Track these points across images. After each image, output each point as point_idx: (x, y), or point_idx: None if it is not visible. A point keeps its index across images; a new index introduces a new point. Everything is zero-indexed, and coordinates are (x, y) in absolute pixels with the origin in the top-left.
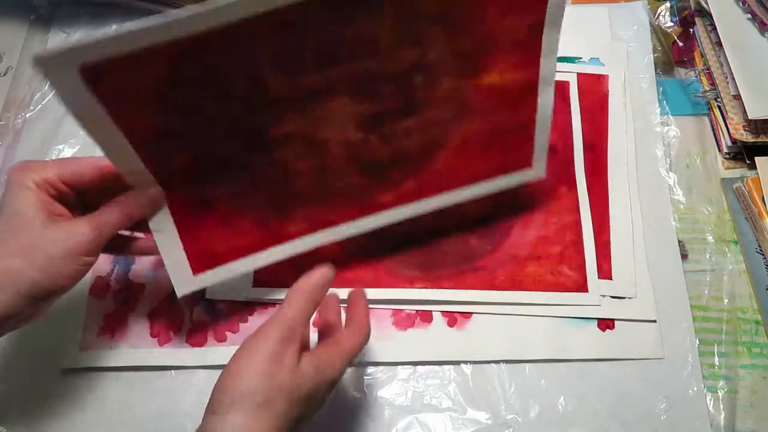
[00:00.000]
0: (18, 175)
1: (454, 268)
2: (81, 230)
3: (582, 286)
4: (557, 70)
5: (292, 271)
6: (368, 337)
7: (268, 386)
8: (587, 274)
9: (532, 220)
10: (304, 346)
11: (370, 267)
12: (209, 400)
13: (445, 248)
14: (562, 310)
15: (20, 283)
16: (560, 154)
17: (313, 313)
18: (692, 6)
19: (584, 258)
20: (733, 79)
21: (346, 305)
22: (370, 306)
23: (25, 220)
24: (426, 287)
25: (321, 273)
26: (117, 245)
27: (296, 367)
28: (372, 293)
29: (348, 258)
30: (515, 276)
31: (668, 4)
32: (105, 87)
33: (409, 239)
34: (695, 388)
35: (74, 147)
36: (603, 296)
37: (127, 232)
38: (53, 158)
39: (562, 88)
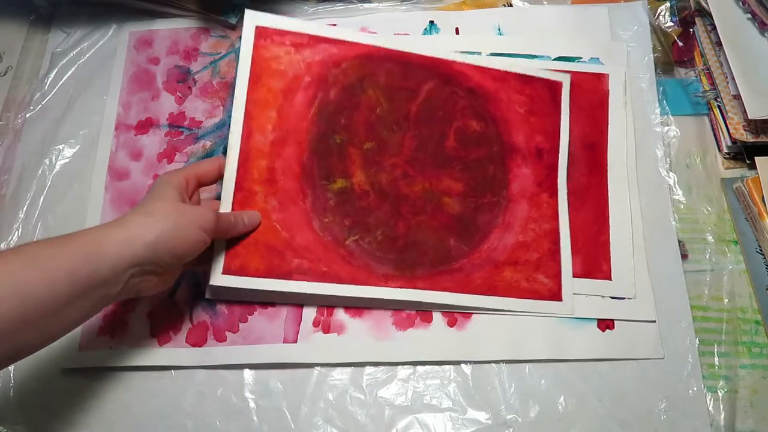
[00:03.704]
0: (165, 176)
1: (431, 268)
2: (206, 210)
3: (556, 295)
4: (550, 68)
5: (264, 255)
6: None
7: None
8: (562, 283)
9: (513, 225)
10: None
11: (344, 261)
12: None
13: (423, 246)
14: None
15: (152, 235)
16: (545, 158)
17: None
18: (692, 6)
19: (560, 266)
20: (733, 79)
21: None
22: (346, 304)
23: (167, 197)
24: (400, 287)
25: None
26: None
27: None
28: (347, 290)
29: (324, 249)
30: (491, 280)
31: (668, 4)
32: None
33: (386, 233)
34: (695, 388)
35: (74, 147)
36: (603, 296)
37: None
38: (53, 158)
39: (553, 88)
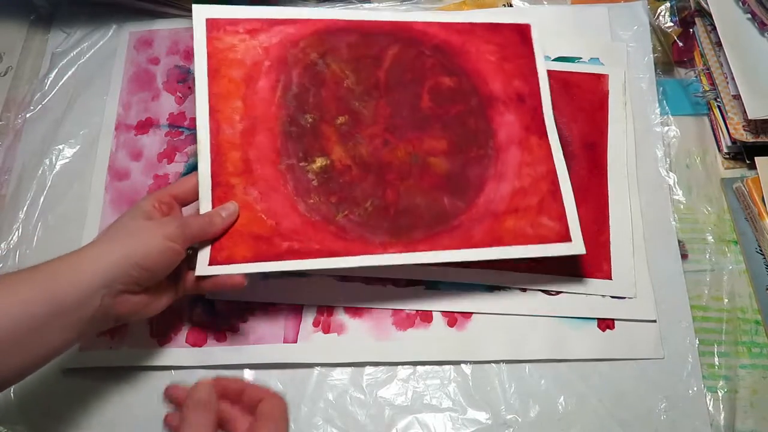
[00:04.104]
0: (139, 201)
1: (428, 230)
2: (168, 221)
3: (564, 236)
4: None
5: (251, 244)
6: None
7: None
8: (569, 223)
9: (506, 173)
10: None
11: (337, 237)
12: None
13: (416, 210)
14: (561, 304)
15: (116, 254)
16: (527, 101)
17: (212, 421)
18: (692, 6)
19: (563, 206)
20: (733, 79)
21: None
22: (344, 274)
23: (132, 221)
24: (400, 251)
25: (204, 386)
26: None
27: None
28: (344, 262)
29: (313, 229)
30: (494, 232)
31: (668, 4)
32: None
33: (376, 204)
34: (695, 388)
35: (74, 147)
36: (603, 296)
37: None
38: (53, 158)
39: (522, 32)
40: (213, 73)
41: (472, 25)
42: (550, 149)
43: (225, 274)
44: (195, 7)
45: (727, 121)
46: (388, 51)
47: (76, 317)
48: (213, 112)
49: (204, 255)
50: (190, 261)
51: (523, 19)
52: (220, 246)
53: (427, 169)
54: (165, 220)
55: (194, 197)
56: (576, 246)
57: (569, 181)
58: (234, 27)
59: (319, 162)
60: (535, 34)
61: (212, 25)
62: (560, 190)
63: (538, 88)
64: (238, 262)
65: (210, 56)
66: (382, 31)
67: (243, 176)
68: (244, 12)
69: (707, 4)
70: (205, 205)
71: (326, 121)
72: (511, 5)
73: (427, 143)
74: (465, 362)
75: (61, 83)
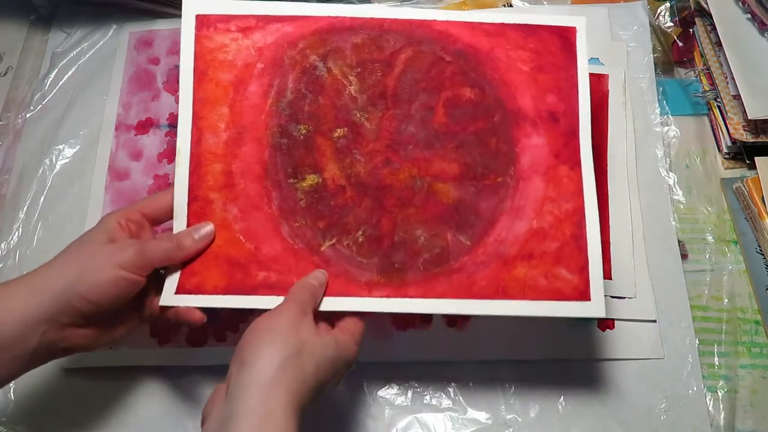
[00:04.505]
0: (104, 217)
1: (423, 271)
2: (125, 245)
3: (583, 294)
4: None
5: (225, 270)
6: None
7: (295, 339)
8: (590, 278)
9: (524, 209)
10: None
11: (320, 268)
12: (233, 358)
13: (413, 245)
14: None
15: (57, 286)
16: (562, 122)
17: (316, 302)
18: (692, 6)
19: (587, 257)
20: (733, 79)
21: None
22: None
23: (85, 242)
24: (387, 296)
25: (320, 272)
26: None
27: (317, 332)
28: (322, 304)
29: (294, 259)
30: (499, 281)
31: (668, 4)
32: None
33: (368, 234)
34: (695, 388)
35: (74, 147)
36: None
37: None
38: (53, 158)
39: (564, 36)
40: (200, 76)
41: (504, 26)
42: (581, 184)
43: (185, 307)
44: (186, 1)
45: (727, 121)
46: (400, 55)
47: (11, 355)
48: (196, 118)
49: (172, 281)
50: (158, 283)
51: (567, 20)
52: (191, 270)
53: (432, 197)
54: (125, 244)
55: (167, 216)
56: (595, 307)
57: (598, 225)
58: (226, 24)
59: (310, 180)
60: (581, 40)
61: (202, 21)
62: (586, 235)
63: (577, 107)
64: (208, 293)
65: (197, 57)
66: (395, 31)
67: (223, 191)
68: (239, 7)
69: (707, 4)
70: (179, 221)
71: (322, 134)
72: (511, 5)
73: (436, 166)
74: (465, 362)
75: (61, 83)
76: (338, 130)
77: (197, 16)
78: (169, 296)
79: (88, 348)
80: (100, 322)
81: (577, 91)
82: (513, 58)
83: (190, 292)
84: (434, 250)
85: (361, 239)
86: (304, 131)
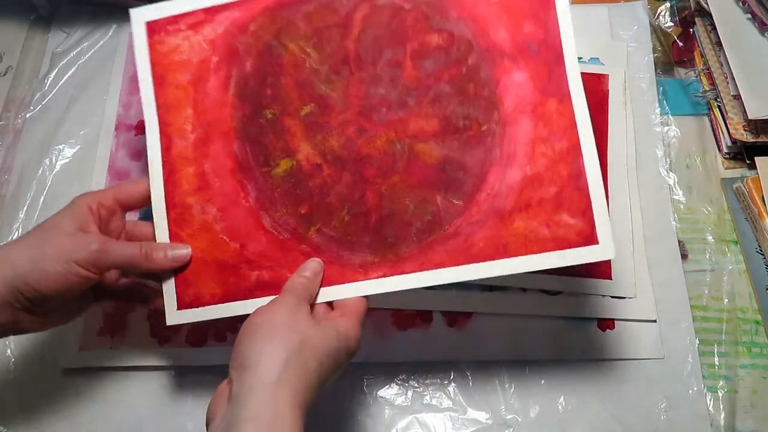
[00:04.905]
0: (75, 198)
1: (417, 242)
2: (88, 240)
3: (589, 237)
4: None
5: (217, 275)
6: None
7: (296, 335)
8: (595, 219)
9: (515, 155)
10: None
11: (311, 256)
12: (232, 359)
13: (403, 215)
14: (561, 304)
15: (7, 270)
16: (543, 51)
17: (312, 294)
18: (692, 6)
19: (589, 197)
20: (733, 79)
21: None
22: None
23: (51, 227)
24: (384, 275)
25: (314, 261)
26: (144, 296)
27: (316, 324)
28: (320, 295)
29: (283, 251)
30: (499, 239)
31: (668, 4)
32: None
33: (354, 211)
34: (695, 388)
35: (74, 147)
36: (603, 296)
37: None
38: (53, 158)
39: None
40: (159, 81)
41: None
42: (573, 116)
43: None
44: (133, 11)
45: (727, 121)
46: (355, 14)
47: None
48: (163, 125)
49: (170, 296)
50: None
51: None
52: (185, 281)
53: (415, 160)
54: (89, 239)
55: (141, 203)
56: (605, 249)
57: (597, 159)
58: (175, 25)
59: (284, 164)
60: None
61: (153, 28)
62: (585, 172)
63: (558, 30)
64: (207, 302)
65: (154, 63)
66: None
67: (199, 193)
68: (184, 4)
69: (707, 4)
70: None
71: (289, 114)
72: None
73: (414, 125)
74: (465, 362)
75: (61, 83)
76: (305, 107)
77: (147, 24)
78: (173, 314)
79: (40, 329)
80: (51, 309)
81: (555, 10)
82: None
83: (191, 306)
84: (425, 217)
85: (347, 218)
86: (270, 116)
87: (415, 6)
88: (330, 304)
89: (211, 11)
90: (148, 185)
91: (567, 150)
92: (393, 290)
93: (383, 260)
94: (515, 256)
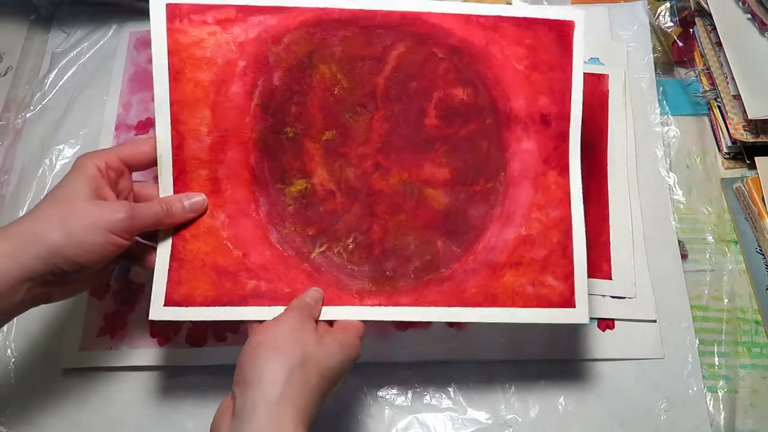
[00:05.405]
0: (80, 159)
1: (414, 279)
2: (116, 208)
3: (567, 300)
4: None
5: (213, 279)
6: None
7: (299, 351)
8: (575, 286)
9: (513, 216)
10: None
11: (310, 278)
12: (236, 375)
13: (405, 251)
14: None
15: (42, 246)
16: (553, 126)
17: (314, 316)
18: (692, 6)
19: (573, 264)
20: (733, 79)
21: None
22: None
23: (70, 195)
24: (379, 304)
25: (315, 291)
26: (135, 254)
27: (320, 339)
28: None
29: (284, 267)
30: (489, 288)
31: (668, 4)
32: None
33: (359, 240)
34: (695, 388)
35: (74, 147)
36: (603, 296)
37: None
38: (53, 158)
39: (561, 31)
40: (175, 75)
41: (500, 20)
42: (569, 190)
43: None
44: None
45: (727, 121)
46: (391, 51)
47: None
48: (176, 123)
49: (159, 292)
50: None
51: (565, 13)
52: (178, 278)
53: (423, 203)
54: (115, 207)
55: (147, 164)
56: (579, 314)
57: (584, 232)
58: (201, 16)
59: (298, 185)
60: (578, 36)
61: (174, 12)
62: (572, 243)
63: (569, 110)
64: (197, 303)
65: (171, 53)
66: (387, 25)
67: (211, 198)
68: None
69: (707, 4)
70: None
71: (310, 136)
72: (510, 3)
73: (427, 170)
74: (465, 362)
75: (61, 83)
76: (327, 132)
77: (168, 6)
78: (158, 309)
79: (66, 297)
80: (81, 279)
81: (571, 93)
82: (508, 55)
83: (179, 304)
84: (425, 257)
85: (351, 246)
86: (291, 134)
87: (447, 56)
88: (330, 323)
89: (245, 11)
90: (153, 145)
91: (560, 219)
92: (387, 319)
93: (380, 291)
94: (502, 306)
